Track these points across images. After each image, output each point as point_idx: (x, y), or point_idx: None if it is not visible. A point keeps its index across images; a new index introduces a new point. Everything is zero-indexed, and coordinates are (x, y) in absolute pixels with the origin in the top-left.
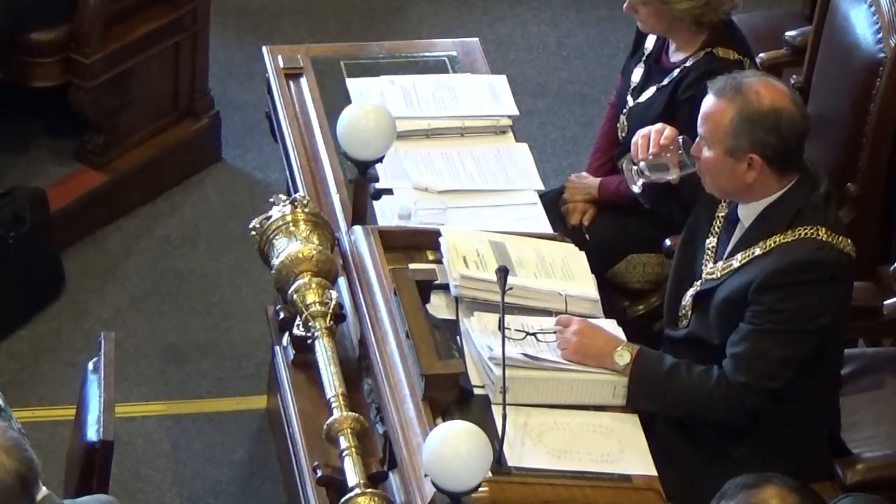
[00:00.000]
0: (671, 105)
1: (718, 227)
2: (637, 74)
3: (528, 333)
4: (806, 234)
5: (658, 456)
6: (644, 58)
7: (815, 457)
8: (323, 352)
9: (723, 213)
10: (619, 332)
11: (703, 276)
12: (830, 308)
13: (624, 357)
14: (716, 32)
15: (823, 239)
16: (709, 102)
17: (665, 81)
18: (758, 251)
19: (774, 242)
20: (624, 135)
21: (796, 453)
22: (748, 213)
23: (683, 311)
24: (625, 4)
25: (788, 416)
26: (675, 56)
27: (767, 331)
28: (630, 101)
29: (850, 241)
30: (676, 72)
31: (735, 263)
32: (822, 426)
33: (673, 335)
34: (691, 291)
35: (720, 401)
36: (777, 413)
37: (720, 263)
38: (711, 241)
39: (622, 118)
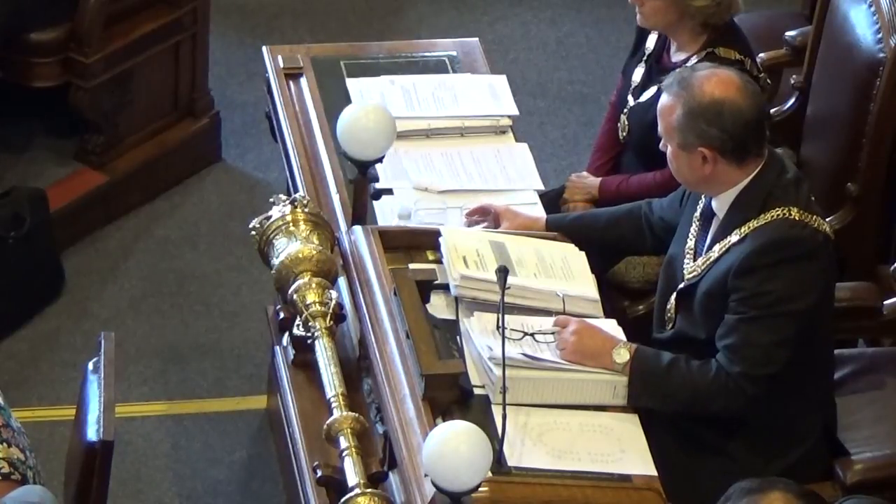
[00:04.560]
0: None
1: (696, 229)
2: (638, 74)
3: (526, 334)
4: (778, 215)
5: (654, 456)
6: (645, 57)
7: (812, 452)
8: (323, 352)
9: (698, 213)
10: (619, 332)
11: (685, 275)
12: (812, 286)
13: (622, 355)
14: (717, 32)
15: (796, 218)
16: (661, 99)
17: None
18: (734, 238)
19: (749, 228)
20: (625, 134)
21: (792, 448)
22: (721, 204)
23: (669, 314)
24: None
25: (781, 410)
26: (677, 56)
27: (754, 318)
28: (631, 101)
29: (824, 220)
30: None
31: (714, 255)
32: (817, 420)
33: (660, 337)
34: (675, 293)
35: (721, 392)
36: (770, 407)
37: (700, 259)
38: (689, 244)
39: (623, 118)
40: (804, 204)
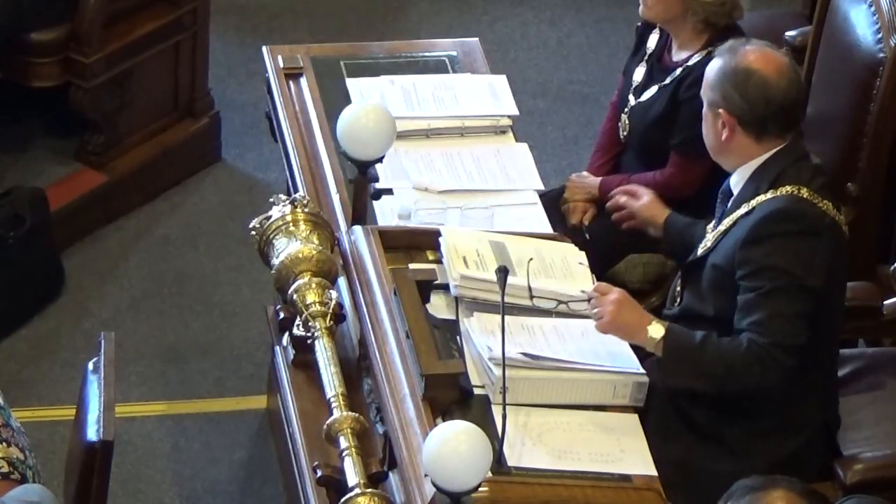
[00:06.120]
0: (672, 104)
1: (717, 206)
2: (639, 74)
3: (560, 302)
4: (788, 191)
5: (650, 443)
6: (646, 57)
7: (810, 445)
8: (323, 352)
9: (720, 191)
10: None
11: (698, 251)
12: (820, 265)
13: (658, 330)
14: (719, 31)
15: (805, 196)
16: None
17: (667, 80)
18: (742, 211)
19: (757, 202)
20: (625, 134)
21: (789, 437)
22: (738, 179)
23: (677, 290)
24: None
25: (781, 397)
26: (678, 55)
27: (771, 290)
28: (632, 101)
29: (837, 211)
30: (679, 70)
31: (723, 228)
32: (817, 412)
33: (668, 314)
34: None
35: (755, 364)
36: (769, 395)
37: (711, 234)
38: (712, 223)
39: (623, 117)
40: (817, 189)
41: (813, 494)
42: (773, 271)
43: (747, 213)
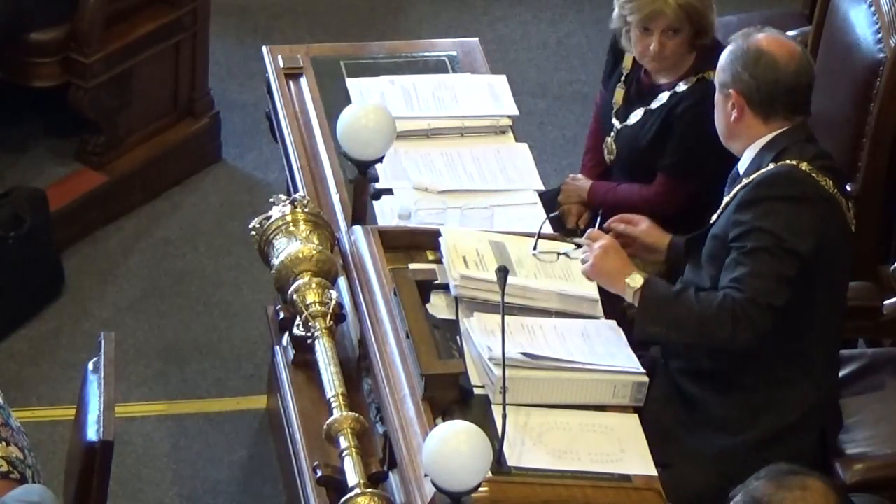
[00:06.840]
0: (661, 132)
1: (726, 193)
2: (619, 95)
3: (559, 254)
4: (787, 163)
5: (645, 409)
6: (623, 78)
7: (802, 427)
8: (323, 352)
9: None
10: (619, 332)
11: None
12: (810, 230)
13: (636, 280)
14: (702, 55)
15: (803, 169)
16: None
17: (654, 105)
18: (743, 183)
19: (758, 174)
20: (612, 157)
21: (780, 416)
22: (744, 160)
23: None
24: (651, 47)
25: (772, 374)
26: (661, 79)
27: (753, 249)
28: (616, 124)
29: (839, 191)
30: (666, 97)
31: (724, 202)
32: (810, 396)
33: None
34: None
35: (727, 319)
36: (759, 364)
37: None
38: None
39: (609, 140)
40: (817, 167)
41: (842, 492)
42: (759, 232)
43: (747, 185)
